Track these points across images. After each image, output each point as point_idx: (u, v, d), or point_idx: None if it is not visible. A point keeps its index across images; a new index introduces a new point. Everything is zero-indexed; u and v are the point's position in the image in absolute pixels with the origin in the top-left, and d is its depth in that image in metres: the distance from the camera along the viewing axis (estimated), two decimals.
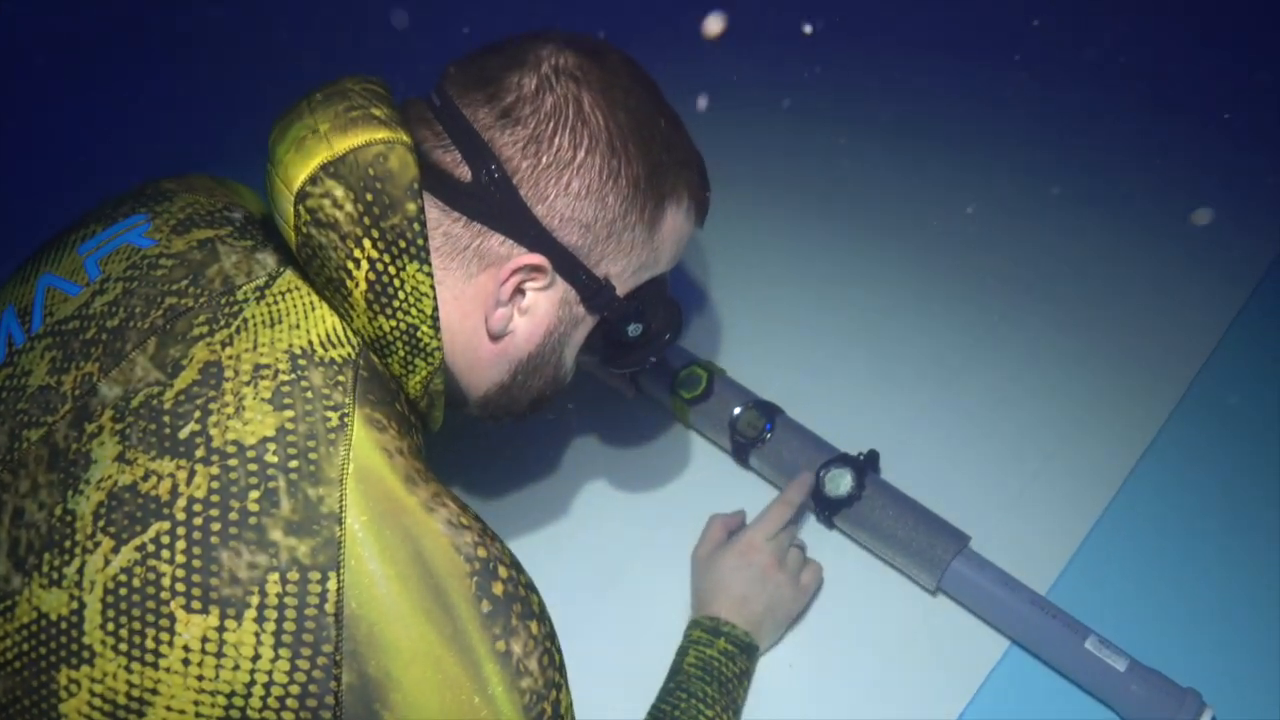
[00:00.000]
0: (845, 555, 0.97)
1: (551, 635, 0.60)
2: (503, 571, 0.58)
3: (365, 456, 0.57)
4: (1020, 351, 1.13)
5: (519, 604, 0.58)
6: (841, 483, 0.95)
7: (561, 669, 0.60)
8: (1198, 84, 1.46)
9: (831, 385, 1.10)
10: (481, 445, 1.06)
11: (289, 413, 0.57)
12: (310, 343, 0.60)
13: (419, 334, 0.63)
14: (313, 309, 0.62)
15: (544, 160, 0.66)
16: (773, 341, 1.15)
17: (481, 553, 0.57)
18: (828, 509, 0.95)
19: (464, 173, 0.66)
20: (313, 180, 0.59)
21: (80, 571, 0.54)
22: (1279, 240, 1.23)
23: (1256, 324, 1.15)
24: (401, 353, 0.64)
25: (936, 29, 1.59)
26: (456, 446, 1.02)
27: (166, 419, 0.57)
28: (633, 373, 1.07)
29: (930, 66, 1.52)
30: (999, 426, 1.06)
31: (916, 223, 1.29)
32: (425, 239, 0.61)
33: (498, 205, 0.66)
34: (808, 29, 1.51)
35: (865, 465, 0.96)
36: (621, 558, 0.97)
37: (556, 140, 0.66)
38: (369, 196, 0.59)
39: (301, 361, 0.59)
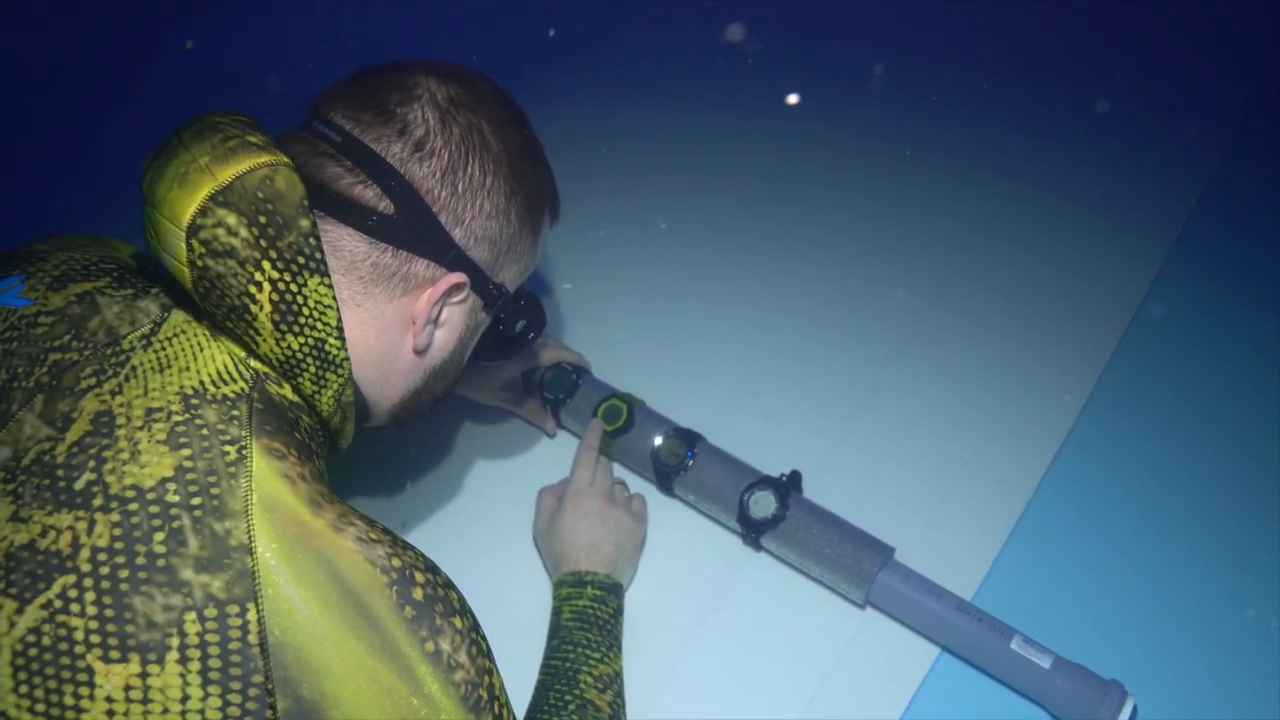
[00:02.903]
0: (774, 575, 0.97)
1: (476, 626, 0.61)
2: (419, 576, 0.58)
3: (268, 486, 0.57)
4: (932, 366, 1.16)
5: (440, 604, 0.58)
6: (766, 504, 0.96)
7: (489, 655, 0.61)
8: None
9: (751, 410, 1.12)
10: (410, 488, 1.05)
11: (186, 451, 0.56)
12: (201, 382, 0.60)
13: (327, 346, 0.65)
14: (201, 350, 0.62)
15: (460, 187, 0.70)
16: (691, 370, 1.16)
17: (396, 562, 0.58)
18: (754, 530, 0.96)
19: (387, 206, 0.68)
20: (203, 212, 0.59)
21: None
22: (1166, 246, 1.29)
23: (1154, 326, 1.19)
24: (312, 369, 0.65)
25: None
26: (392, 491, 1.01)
27: (60, 472, 0.56)
28: (553, 409, 1.07)
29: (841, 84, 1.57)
30: (916, 440, 1.08)
31: (826, 246, 1.32)
32: (321, 252, 0.63)
33: (423, 233, 0.69)
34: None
35: (788, 485, 0.97)
36: (548, 591, 0.96)
37: (469, 168, 0.71)
38: (262, 219, 0.60)
39: (194, 401, 0.59)
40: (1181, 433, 1.08)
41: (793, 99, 1.47)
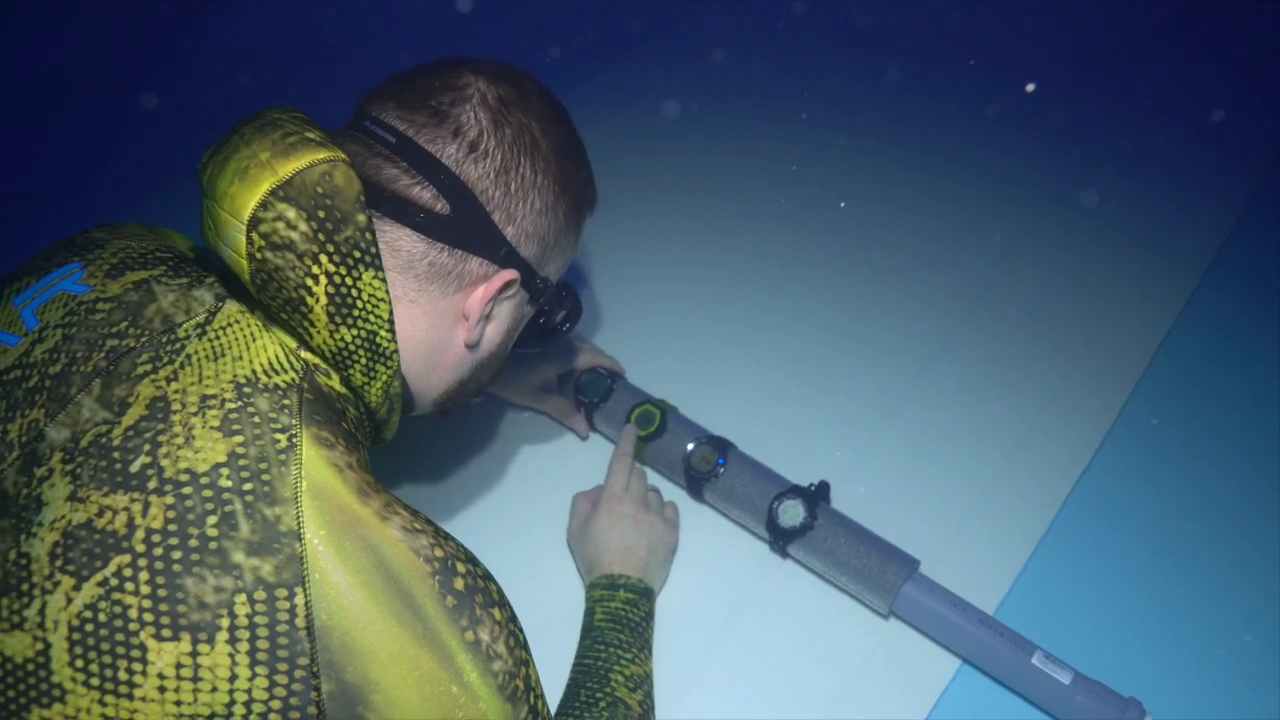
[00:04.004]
0: (800, 583, 0.99)
1: (513, 618, 0.62)
2: (460, 567, 0.60)
3: (317, 473, 0.59)
4: (959, 382, 1.17)
5: (480, 594, 0.60)
6: (794, 513, 0.97)
7: (526, 646, 0.62)
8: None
9: (780, 418, 1.13)
10: (443, 486, 1.07)
11: (239, 438, 0.58)
12: (254, 371, 0.62)
13: (378, 339, 0.66)
14: (253, 340, 0.64)
15: (512, 187, 0.72)
16: (724, 378, 1.18)
17: (439, 552, 0.60)
18: (782, 539, 0.98)
19: (444, 207, 0.70)
20: (263, 205, 0.61)
21: (41, 613, 0.54)
22: (1199, 271, 1.29)
23: (1183, 352, 1.20)
24: (364, 360, 0.66)
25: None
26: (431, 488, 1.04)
27: (116, 455, 0.58)
28: (587, 412, 1.10)
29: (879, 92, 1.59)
30: (943, 454, 1.10)
31: (858, 259, 1.33)
32: (376, 247, 0.64)
33: (477, 232, 0.71)
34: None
35: (816, 495, 0.99)
36: (578, 592, 0.98)
37: (521, 168, 0.72)
38: (321, 214, 0.62)
39: (247, 390, 0.61)
40: (1206, 459, 1.08)
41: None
